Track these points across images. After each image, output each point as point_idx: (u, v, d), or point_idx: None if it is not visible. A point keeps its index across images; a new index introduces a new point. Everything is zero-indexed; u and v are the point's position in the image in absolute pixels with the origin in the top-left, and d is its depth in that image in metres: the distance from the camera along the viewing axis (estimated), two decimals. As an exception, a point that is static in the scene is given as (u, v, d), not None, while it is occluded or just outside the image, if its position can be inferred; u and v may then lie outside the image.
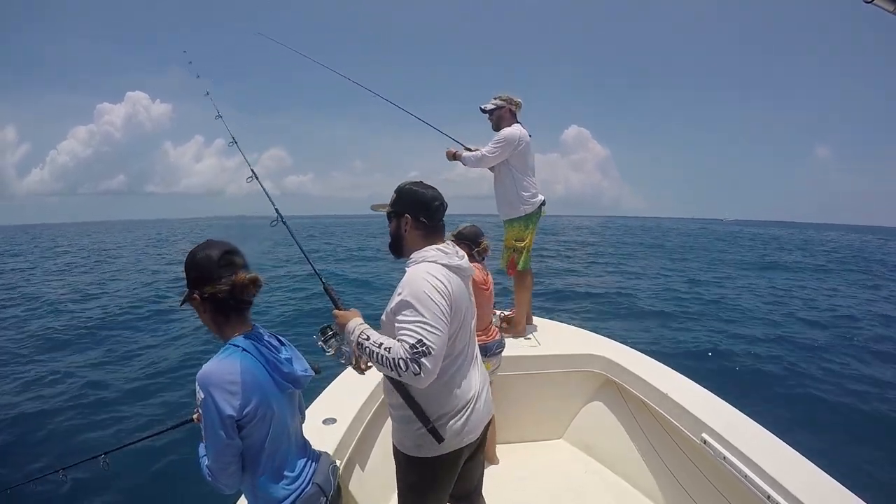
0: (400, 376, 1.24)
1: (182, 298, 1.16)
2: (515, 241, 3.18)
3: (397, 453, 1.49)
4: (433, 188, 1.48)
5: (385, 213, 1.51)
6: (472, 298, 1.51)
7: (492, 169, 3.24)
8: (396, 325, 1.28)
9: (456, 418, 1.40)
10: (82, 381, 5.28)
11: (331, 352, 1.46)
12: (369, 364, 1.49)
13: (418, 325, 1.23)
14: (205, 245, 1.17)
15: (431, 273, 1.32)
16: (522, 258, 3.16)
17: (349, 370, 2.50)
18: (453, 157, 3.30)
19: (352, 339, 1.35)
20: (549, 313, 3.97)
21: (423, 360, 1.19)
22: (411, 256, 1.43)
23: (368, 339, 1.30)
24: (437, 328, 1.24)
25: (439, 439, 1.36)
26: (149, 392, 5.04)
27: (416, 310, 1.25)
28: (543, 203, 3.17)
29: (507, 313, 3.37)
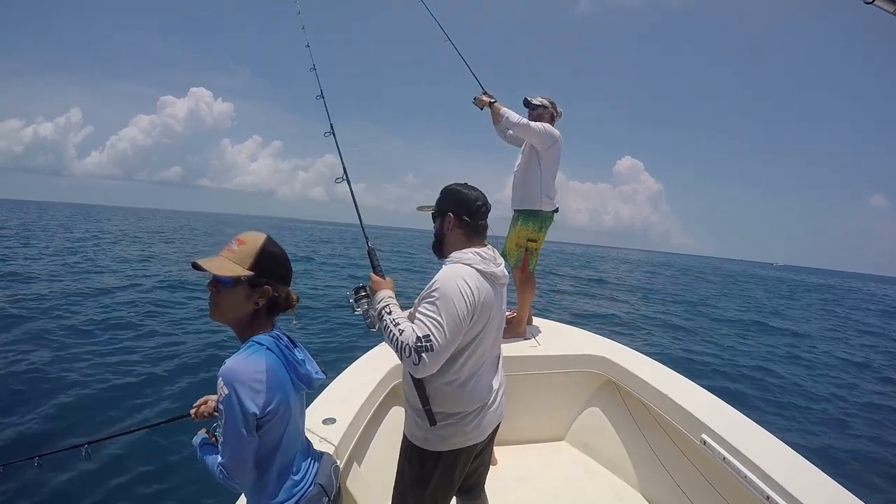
0: (401, 359, 1.30)
1: (244, 279, 1.08)
2: (528, 240, 3.13)
3: (405, 442, 1.54)
4: (477, 189, 1.55)
5: (430, 214, 1.58)
6: (503, 305, 1.54)
7: (518, 160, 3.15)
8: (417, 312, 1.35)
9: (468, 419, 1.44)
10: (76, 371, 5.10)
11: (359, 311, 1.52)
12: None
13: (432, 321, 1.29)
14: (275, 243, 1.17)
15: (463, 276, 1.36)
16: (534, 260, 3.16)
17: (349, 370, 2.52)
18: (488, 105, 3.10)
19: (377, 307, 1.43)
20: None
21: (424, 354, 1.26)
22: (451, 256, 1.47)
23: (390, 313, 1.38)
24: (448, 330, 1.29)
25: (432, 422, 1.41)
26: (146, 384, 4.92)
27: (437, 307, 1.30)
28: (556, 210, 3.14)
29: (508, 314, 3.37)
